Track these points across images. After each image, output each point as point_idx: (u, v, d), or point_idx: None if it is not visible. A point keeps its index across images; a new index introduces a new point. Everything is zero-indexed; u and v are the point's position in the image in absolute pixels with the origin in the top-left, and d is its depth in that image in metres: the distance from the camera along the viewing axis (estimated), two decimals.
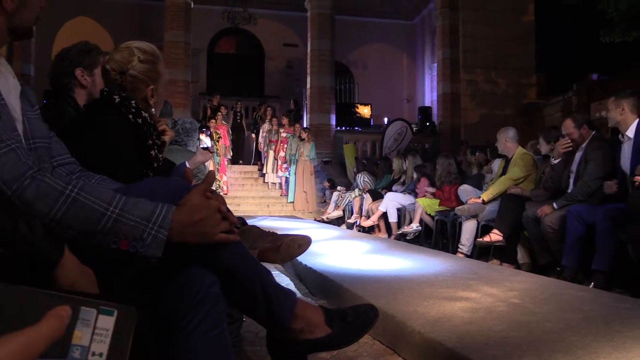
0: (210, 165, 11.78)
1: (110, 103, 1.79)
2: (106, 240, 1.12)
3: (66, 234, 1.09)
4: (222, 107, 14.56)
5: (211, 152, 3.86)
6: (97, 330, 0.66)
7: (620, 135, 4.31)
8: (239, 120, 15.31)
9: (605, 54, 14.00)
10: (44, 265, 0.97)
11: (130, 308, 0.70)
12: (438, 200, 7.13)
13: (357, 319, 1.54)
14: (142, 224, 1.13)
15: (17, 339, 0.54)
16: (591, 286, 3.73)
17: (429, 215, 7.24)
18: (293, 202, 12.62)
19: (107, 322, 0.67)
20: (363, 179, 10.32)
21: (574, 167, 4.79)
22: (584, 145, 4.72)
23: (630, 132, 4.19)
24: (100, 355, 0.66)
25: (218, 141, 12.63)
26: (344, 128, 15.80)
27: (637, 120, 4.21)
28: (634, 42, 11.21)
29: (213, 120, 13.17)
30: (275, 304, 1.39)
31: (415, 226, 7.37)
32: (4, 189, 1.08)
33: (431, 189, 7.44)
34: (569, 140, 4.82)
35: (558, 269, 4.51)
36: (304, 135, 12.64)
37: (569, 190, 4.69)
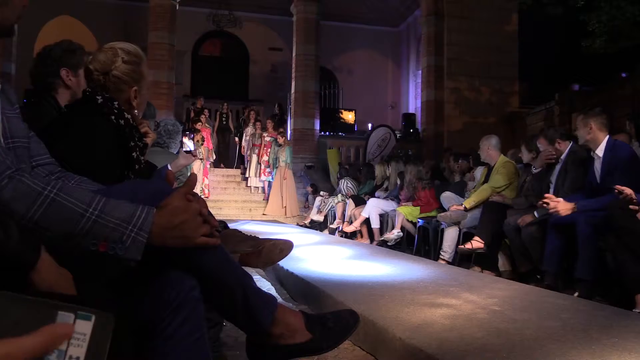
0: (200, 170, 11.76)
1: (92, 104, 1.78)
2: (85, 242, 1.10)
3: (43, 236, 1.08)
4: (206, 110, 14.50)
5: (194, 156, 3.84)
6: (74, 334, 0.65)
7: (592, 152, 4.35)
8: (224, 122, 15.27)
9: (587, 65, 14.20)
10: (19, 267, 0.96)
11: (109, 313, 0.69)
12: (419, 208, 7.16)
13: (337, 325, 1.54)
14: (121, 226, 1.12)
15: None
16: (575, 295, 3.75)
17: (410, 222, 7.27)
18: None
19: (84, 327, 0.67)
20: (346, 185, 10.33)
21: (553, 177, 4.84)
22: (563, 156, 4.79)
23: (600, 151, 4.23)
24: (77, 359, 0.65)
25: (202, 144, 12.56)
26: (327, 133, 15.81)
27: (606, 138, 4.25)
28: (615, 53, 11.39)
29: (200, 123, 13.05)
30: (256, 309, 1.39)
31: (396, 232, 7.38)
32: None
33: (408, 204, 7.47)
34: (553, 152, 4.87)
35: (538, 276, 4.55)
36: (281, 140, 12.66)
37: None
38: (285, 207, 12.40)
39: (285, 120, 15.81)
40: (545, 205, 4.22)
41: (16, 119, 1.28)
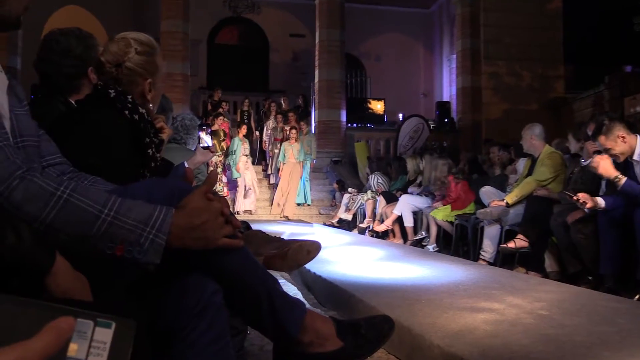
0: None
1: (104, 98, 1.80)
2: (100, 245, 1.12)
3: (57, 239, 1.09)
4: (224, 103, 14.53)
5: (212, 152, 3.87)
6: (94, 343, 0.67)
7: (629, 158, 4.29)
8: (246, 121, 14.71)
9: (639, 44, 13.92)
10: (34, 272, 0.97)
11: (129, 320, 0.70)
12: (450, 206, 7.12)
13: (370, 331, 1.54)
14: (139, 227, 1.13)
15: (10, 354, 0.54)
16: (636, 298, 3.68)
17: (447, 221, 7.23)
18: (306, 203, 12.66)
19: (104, 335, 0.68)
20: (377, 180, 10.30)
21: None
22: None
23: (637, 155, 4.22)
24: None
25: (224, 140, 12.48)
26: (355, 125, 15.77)
27: (638, 139, 4.22)
28: None
29: (221, 117, 12.78)
30: (282, 315, 1.39)
31: (432, 247, 7.34)
32: None
33: (439, 204, 7.42)
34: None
35: (590, 277, 4.48)
36: (293, 134, 12.50)
37: (601, 194, 4.67)
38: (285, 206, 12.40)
39: (309, 112, 15.80)
40: (575, 201, 4.23)
41: (25, 116, 1.30)
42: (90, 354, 0.66)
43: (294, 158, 12.41)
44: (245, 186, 12.19)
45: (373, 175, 10.56)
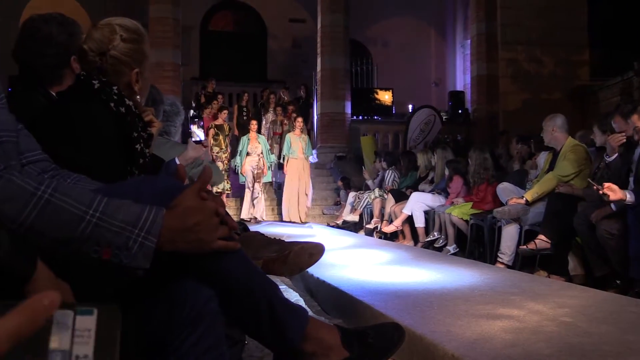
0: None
1: (88, 89, 1.80)
2: (85, 248, 1.12)
3: (38, 243, 1.10)
4: (220, 95, 14.50)
5: (205, 147, 3.87)
6: (77, 332, 0.68)
7: None
8: (245, 117, 14.50)
9: None
10: (13, 280, 0.97)
11: (112, 305, 0.72)
12: (470, 204, 7.10)
13: (379, 341, 1.54)
14: (126, 229, 1.13)
15: None
16: None
17: (463, 219, 7.22)
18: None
19: (87, 322, 0.69)
20: (393, 178, 10.22)
21: (633, 163, 4.75)
22: None
23: None
24: (86, 357, 0.67)
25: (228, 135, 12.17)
26: (360, 117, 15.78)
27: None
28: None
29: (225, 111, 12.46)
30: (283, 323, 1.40)
31: (452, 248, 7.32)
32: None
33: (460, 199, 7.40)
34: (624, 133, 4.79)
35: (618, 281, 4.47)
36: (299, 124, 12.00)
37: (629, 190, 4.66)
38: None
39: (311, 104, 15.78)
40: (597, 190, 4.23)
41: (2, 110, 1.29)
42: (75, 343, 0.67)
43: (302, 153, 11.81)
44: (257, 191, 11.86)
45: (389, 171, 10.48)
